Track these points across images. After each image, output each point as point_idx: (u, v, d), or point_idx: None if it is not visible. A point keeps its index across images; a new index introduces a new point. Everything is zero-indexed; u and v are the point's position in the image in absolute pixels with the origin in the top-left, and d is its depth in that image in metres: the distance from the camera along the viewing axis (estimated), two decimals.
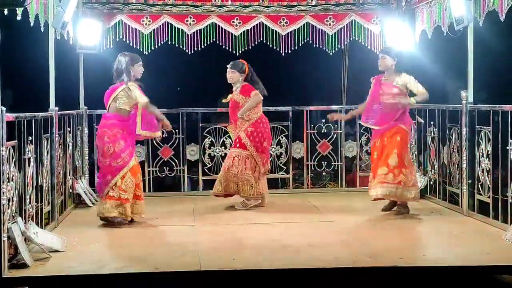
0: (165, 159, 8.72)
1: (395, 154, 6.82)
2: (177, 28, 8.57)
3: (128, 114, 6.61)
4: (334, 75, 10.92)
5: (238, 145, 7.44)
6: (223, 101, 7.64)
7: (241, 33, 8.62)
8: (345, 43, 8.93)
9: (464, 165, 6.91)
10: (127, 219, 6.54)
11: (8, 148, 4.92)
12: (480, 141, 6.62)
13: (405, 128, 6.94)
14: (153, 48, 8.51)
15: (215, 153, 8.76)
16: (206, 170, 8.77)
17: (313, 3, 8.68)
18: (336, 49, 8.82)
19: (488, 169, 6.48)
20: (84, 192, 7.92)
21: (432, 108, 7.73)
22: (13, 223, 4.96)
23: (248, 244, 5.78)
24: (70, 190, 7.60)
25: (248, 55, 8.30)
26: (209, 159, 8.78)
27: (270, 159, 8.76)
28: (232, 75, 7.46)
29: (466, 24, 6.81)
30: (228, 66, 7.46)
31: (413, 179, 6.96)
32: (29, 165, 5.60)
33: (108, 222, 6.52)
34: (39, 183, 6.08)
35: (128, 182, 6.52)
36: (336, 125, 8.89)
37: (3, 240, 4.71)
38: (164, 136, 7.82)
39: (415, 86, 6.88)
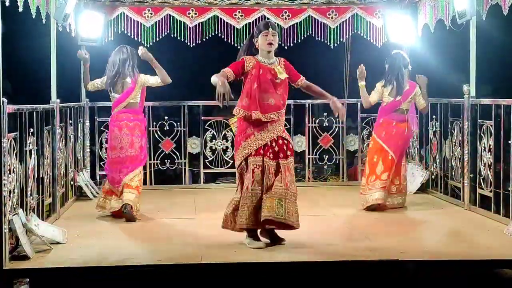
0: (167, 152, 8.71)
1: None
2: (179, 20, 8.53)
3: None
4: (336, 68, 10.89)
5: (289, 153, 5.39)
6: (281, 77, 5.41)
7: (243, 26, 8.57)
8: (347, 36, 8.91)
9: (466, 159, 6.91)
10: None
11: (9, 140, 4.92)
12: (482, 135, 6.61)
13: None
14: (154, 40, 8.48)
15: (216, 146, 8.76)
16: (207, 163, 8.77)
17: None
18: (338, 42, 8.78)
19: (490, 163, 6.47)
20: (86, 184, 7.94)
21: (434, 102, 7.71)
22: (14, 215, 4.96)
23: None
24: (71, 183, 7.61)
25: None
26: (211, 152, 8.77)
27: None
28: (276, 39, 5.36)
29: (468, 17, 6.78)
30: (271, 27, 5.33)
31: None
32: (30, 157, 5.60)
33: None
34: (40, 175, 6.08)
35: None
36: (337, 119, 8.87)
37: (4, 232, 4.71)
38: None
39: None
